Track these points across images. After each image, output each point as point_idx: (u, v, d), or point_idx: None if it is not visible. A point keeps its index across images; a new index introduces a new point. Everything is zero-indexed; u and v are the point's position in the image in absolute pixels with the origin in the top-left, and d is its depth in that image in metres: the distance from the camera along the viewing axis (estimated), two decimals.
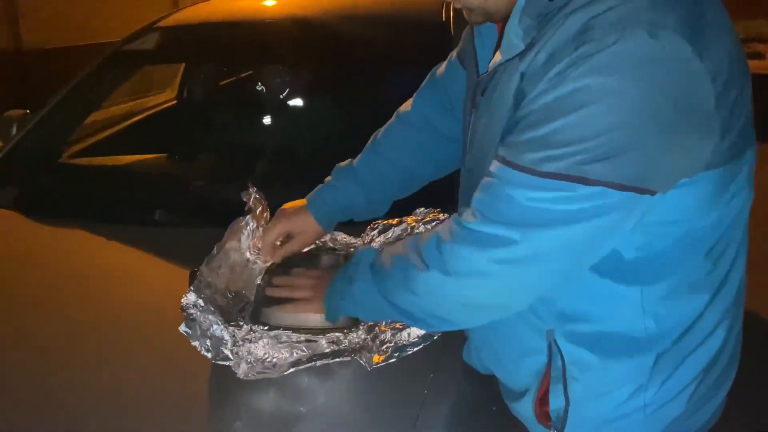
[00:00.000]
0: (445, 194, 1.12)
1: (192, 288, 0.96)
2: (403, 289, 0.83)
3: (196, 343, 0.92)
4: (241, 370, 0.93)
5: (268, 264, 1.16)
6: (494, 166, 0.75)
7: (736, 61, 0.73)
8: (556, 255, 0.73)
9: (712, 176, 0.75)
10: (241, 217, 1.12)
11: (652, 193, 0.70)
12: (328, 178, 1.14)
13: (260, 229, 1.14)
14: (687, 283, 0.81)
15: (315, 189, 1.13)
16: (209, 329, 0.93)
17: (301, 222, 1.11)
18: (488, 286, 0.76)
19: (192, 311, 0.93)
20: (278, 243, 1.12)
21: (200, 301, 0.93)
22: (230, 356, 0.92)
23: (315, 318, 0.98)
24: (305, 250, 1.21)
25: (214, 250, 1.06)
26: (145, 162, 1.81)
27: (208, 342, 0.92)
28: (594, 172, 0.68)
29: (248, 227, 1.13)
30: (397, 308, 0.85)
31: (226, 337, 0.92)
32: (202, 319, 0.93)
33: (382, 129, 1.15)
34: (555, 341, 0.84)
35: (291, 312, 0.99)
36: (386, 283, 0.86)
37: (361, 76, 1.87)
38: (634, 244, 0.78)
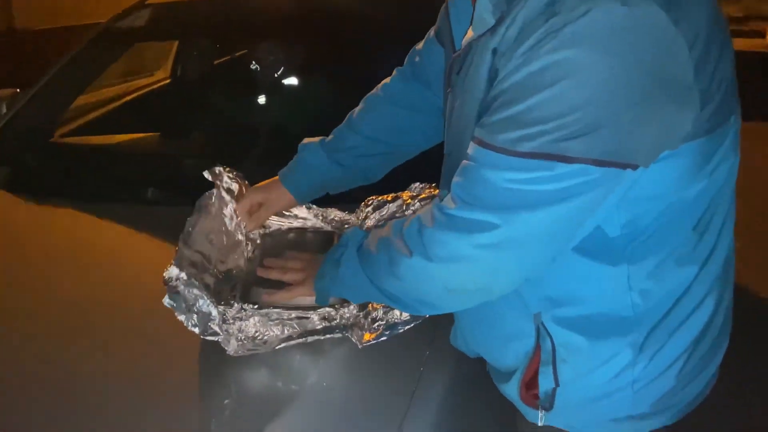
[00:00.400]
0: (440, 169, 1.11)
1: (174, 262, 0.94)
2: (387, 273, 0.82)
3: (182, 317, 0.91)
4: (231, 347, 0.92)
5: (257, 241, 1.15)
6: (471, 148, 0.73)
7: (715, 25, 0.70)
8: (538, 237, 0.72)
9: (696, 147, 0.73)
10: (208, 192, 1.10)
11: (634, 167, 0.69)
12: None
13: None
14: (674, 258, 0.80)
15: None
16: (195, 304, 0.91)
17: (273, 192, 1.13)
18: (471, 271, 0.75)
19: (175, 284, 0.92)
20: (251, 212, 1.13)
21: (183, 275, 0.92)
22: (218, 331, 0.91)
23: (306, 300, 0.97)
24: (297, 226, 1.20)
25: (188, 228, 1.04)
26: (137, 141, 1.79)
27: (195, 317, 0.91)
28: (572, 149, 0.66)
29: (230, 207, 1.11)
30: (382, 292, 0.85)
31: (214, 312, 0.91)
32: (186, 293, 0.91)
33: (360, 104, 1.15)
34: (543, 324, 0.83)
35: (283, 299, 0.98)
36: (372, 268, 0.85)
37: (360, 53, 1.84)
38: (618, 222, 0.76)
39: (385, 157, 1.14)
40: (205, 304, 0.91)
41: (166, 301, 0.91)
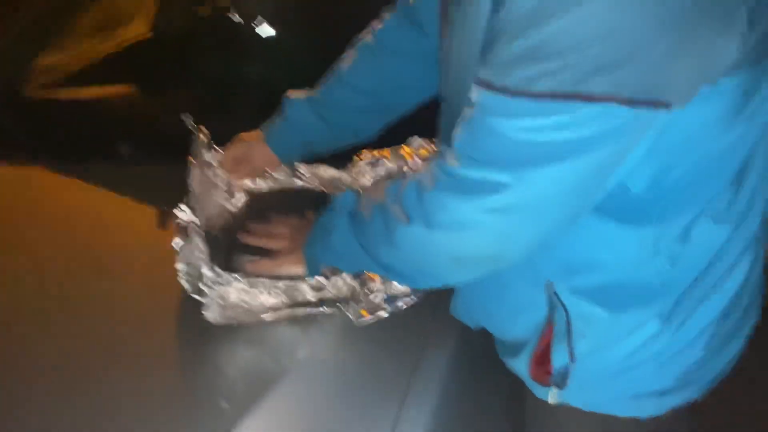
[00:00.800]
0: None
1: (186, 202, 0.86)
2: (383, 242, 0.73)
3: (179, 266, 0.83)
4: (211, 313, 0.84)
5: (239, 201, 1.07)
6: (475, 92, 0.62)
7: None
8: (556, 196, 0.62)
9: (736, 83, 0.62)
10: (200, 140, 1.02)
11: (668, 106, 0.58)
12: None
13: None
14: (707, 216, 0.71)
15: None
16: (192, 253, 0.83)
17: (255, 147, 1.04)
18: (479, 239, 0.66)
19: (186, 225, 0.84)
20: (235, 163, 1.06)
21: (195, 219, 0.83)
22: (206, 292, 0.83)
23: (295, 270, 0.88)
24: (283, 185, 1.10)
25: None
26: (112, 95, 1.67)
27: (190, 270, 0.83)
28: (597, 86, 0.55)
29: (208, 157, 1.02)
30: (378, 263, 0.76)
31: (204, 269, 0.83)
32: (195, 240, 0.83)
33: (348, 52, 1.03)
34: (557, 294, 0.75)
35: (268, 268, 0.90)
36: (366, 235, 0.76)
37: (353, 2, 1.72)
38: (644, 176, 0.67)
39: (378, 112, 1.04)
40: (201, 256, 0.83)
41: (176, 242, 0.83)
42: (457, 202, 0.65)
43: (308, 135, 1.03)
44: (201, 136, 1.02)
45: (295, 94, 1.03)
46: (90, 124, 1.52)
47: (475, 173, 0.63)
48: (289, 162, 1.08)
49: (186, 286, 0.83)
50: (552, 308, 0.75)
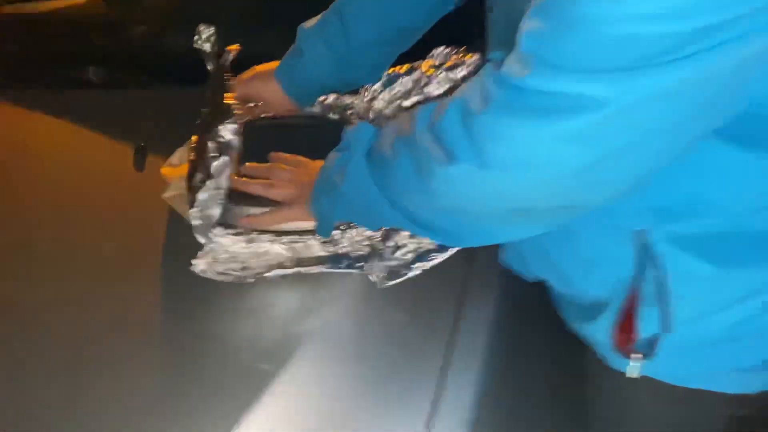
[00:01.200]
0: (472, 24, 0.82)
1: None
2: (414, 189, 0.57)
3: (202, 195, 0.68)
4: (201, 265, 0.69)
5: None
6: None
7: None
8: (669, 116, 0.45)
9: None
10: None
11: None
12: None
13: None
14: None
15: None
16: (217, 188, 0.68)
17: (265, 88, 0.89)
18: (552, 181, 0.49)
19: (229, 147, 0.69)
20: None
21: (236, 140, 0.69)
22: (210, 237, 0.70)
23: (303, 225, 0.73)
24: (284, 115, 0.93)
25: None
26: (76, 8, 1.48)
27: (205, 209, 0.68)
28: None
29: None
30: (407, 215, 0.60)
31: (215, 210, 0.68)
32: (228, 166, 0.68)
33: None
34: (650, 246, 0.58)
35: (269, 223, 0.74)
36: (389, 180, 0.60)
37: None
38: None
39: (397, 38, 0.88)
40: (221, 194, 0.68)
41: (215, 165, 0.68)
42: (524, 127, 0.47)
43: (329, 83, 0.90)
44: (231, 55, 0.85)
45: (309, 29, 0.87)
46: (52, 45, 1.36)
47: (554, 84, 0.44)
48: (304, 107, 0.93)
49: (195, 223, 0.68)
50: (640, 262, 0.59)
